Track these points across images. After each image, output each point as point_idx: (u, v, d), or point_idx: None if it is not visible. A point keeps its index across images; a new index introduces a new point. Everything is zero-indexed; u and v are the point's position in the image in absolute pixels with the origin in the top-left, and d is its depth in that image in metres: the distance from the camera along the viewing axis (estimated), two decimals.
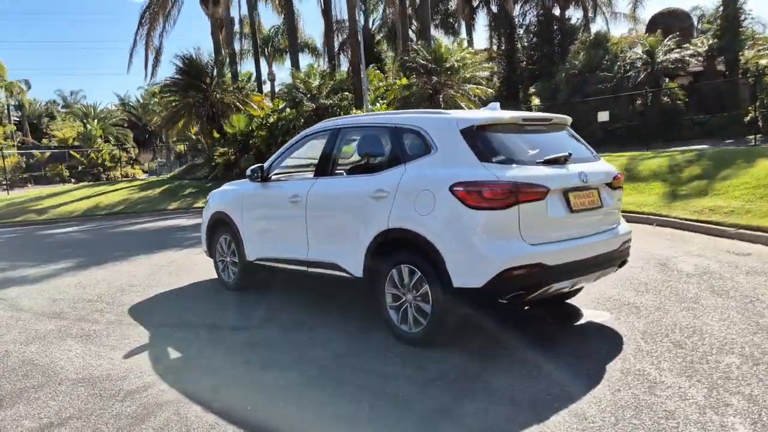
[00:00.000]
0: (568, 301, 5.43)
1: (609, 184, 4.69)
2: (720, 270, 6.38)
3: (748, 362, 3.88)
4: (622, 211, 5.19)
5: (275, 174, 6.06)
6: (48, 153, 46.43)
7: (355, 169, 5.31)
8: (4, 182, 33.20)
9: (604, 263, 4.58)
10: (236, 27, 34.48)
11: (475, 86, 21.28)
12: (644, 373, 3.78)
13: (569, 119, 5.06)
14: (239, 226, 6.30)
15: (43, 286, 7.38)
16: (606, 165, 4.86)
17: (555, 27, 33.68)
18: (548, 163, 4.36)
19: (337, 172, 5.37)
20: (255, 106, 22.42)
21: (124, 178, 35.55)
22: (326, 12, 27.20)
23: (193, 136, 25.34)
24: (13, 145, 51.20)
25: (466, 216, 4.09)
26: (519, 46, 34.74)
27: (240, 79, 27.17)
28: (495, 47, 37.69)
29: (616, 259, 4.72)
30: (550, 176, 4.26)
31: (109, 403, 3.69)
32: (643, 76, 23.18)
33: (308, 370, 4.13)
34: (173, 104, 22.74)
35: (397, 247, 4.53)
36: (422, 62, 20.16)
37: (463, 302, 4.19)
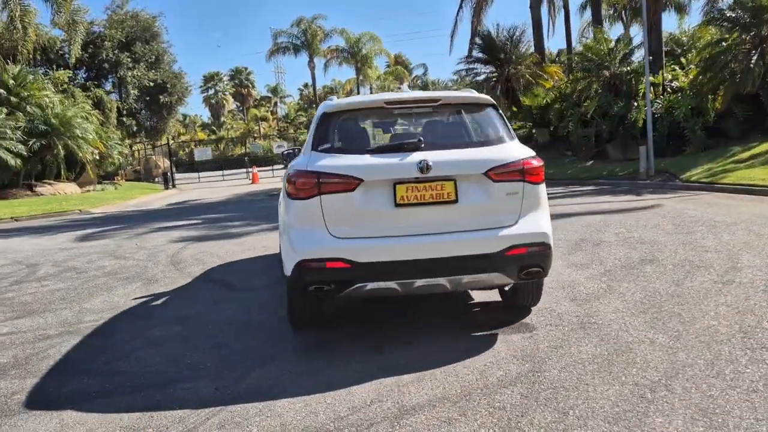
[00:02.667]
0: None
1: (487, 176, 3.91)
2: None
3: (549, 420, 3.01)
4: None
5: None
6: None
7: None
8: None
9: (461, 269, 3.88)
10: None
11: None
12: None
13: (473, 97, 4.31)
14: None
15: (217, 242, 9.49)
16: (496, 152, 4.01)
17: None
18: (383, 150, 3.96)
19: None
20: (548, 78, 21.83)
21: None
22: None
23: None
24: None
25: (287, 205, 4.13)
26: None
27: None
28: None
29: (496, 265, 3.91)
30: (369, 166, 3.88)
31: (54, 327, 5.11)
32: None
33: (190, 330, 4.81)
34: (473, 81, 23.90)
35: None
36: (731, 15, 16.42)
37: (290, 290, 4.23)
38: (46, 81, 26.98)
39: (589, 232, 8.07)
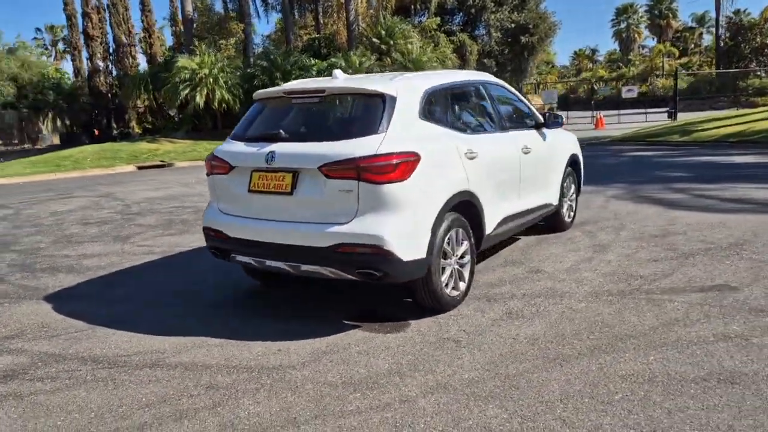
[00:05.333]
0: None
1: (321, 171, 3.91)
2: None
3: None
4: None
5: None
6: None
7: None
8: None
9: (297, 258, 4.06)
10: None
11: None
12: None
13: (357, 88, 4.15)
14: None
15: None
16: (340, 147, 3.88)
17: None
18: (254, 140, 4.32)
19: None
20: None
21: None
22: None
23: None
24: None
25: None
26: None
27: None
28: None
29: (327, 259, 3.96)
30: (239, 153, 4.31)
31: (163, 247, 6.98)
32: None
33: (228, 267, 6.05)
34: None
35: None
36: None
37: None
38: (415, 30, 30.65)
39: None
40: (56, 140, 41.30)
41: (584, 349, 3.67)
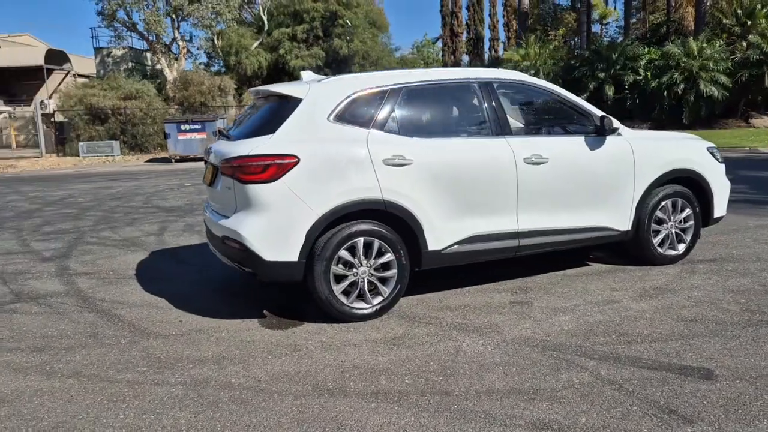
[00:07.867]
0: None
1: (219, 168, 4.27)
2: None
3: None
4: None
5: None
6: None
7: None
8: None
9: (217, 247, 4.47)
10: None
11: None
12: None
13: (272, 90, 4.36)
14: None
15: None
16: (234, 146, 4.16)
17: None
18: (220, 137, 4.87)
19: None
20: None
21: None
22: None
23: None
24: None
25: None
26: None
27: None
28: None
29: (224, 251, 4.32)
30: (209, 149, 4.89)
31: None
32: None
33: None
34: None
35: None
36: None
37: None
38: None
39: None
40: None
41: (366, 391, 3.22)
